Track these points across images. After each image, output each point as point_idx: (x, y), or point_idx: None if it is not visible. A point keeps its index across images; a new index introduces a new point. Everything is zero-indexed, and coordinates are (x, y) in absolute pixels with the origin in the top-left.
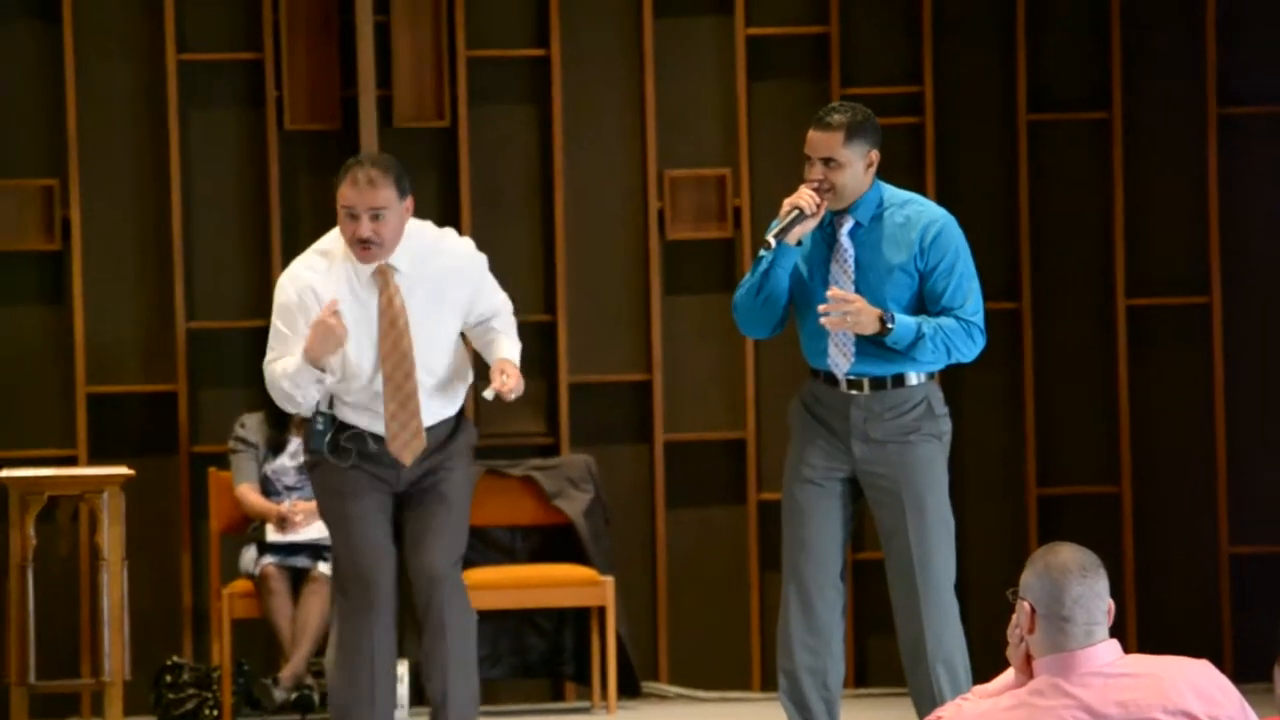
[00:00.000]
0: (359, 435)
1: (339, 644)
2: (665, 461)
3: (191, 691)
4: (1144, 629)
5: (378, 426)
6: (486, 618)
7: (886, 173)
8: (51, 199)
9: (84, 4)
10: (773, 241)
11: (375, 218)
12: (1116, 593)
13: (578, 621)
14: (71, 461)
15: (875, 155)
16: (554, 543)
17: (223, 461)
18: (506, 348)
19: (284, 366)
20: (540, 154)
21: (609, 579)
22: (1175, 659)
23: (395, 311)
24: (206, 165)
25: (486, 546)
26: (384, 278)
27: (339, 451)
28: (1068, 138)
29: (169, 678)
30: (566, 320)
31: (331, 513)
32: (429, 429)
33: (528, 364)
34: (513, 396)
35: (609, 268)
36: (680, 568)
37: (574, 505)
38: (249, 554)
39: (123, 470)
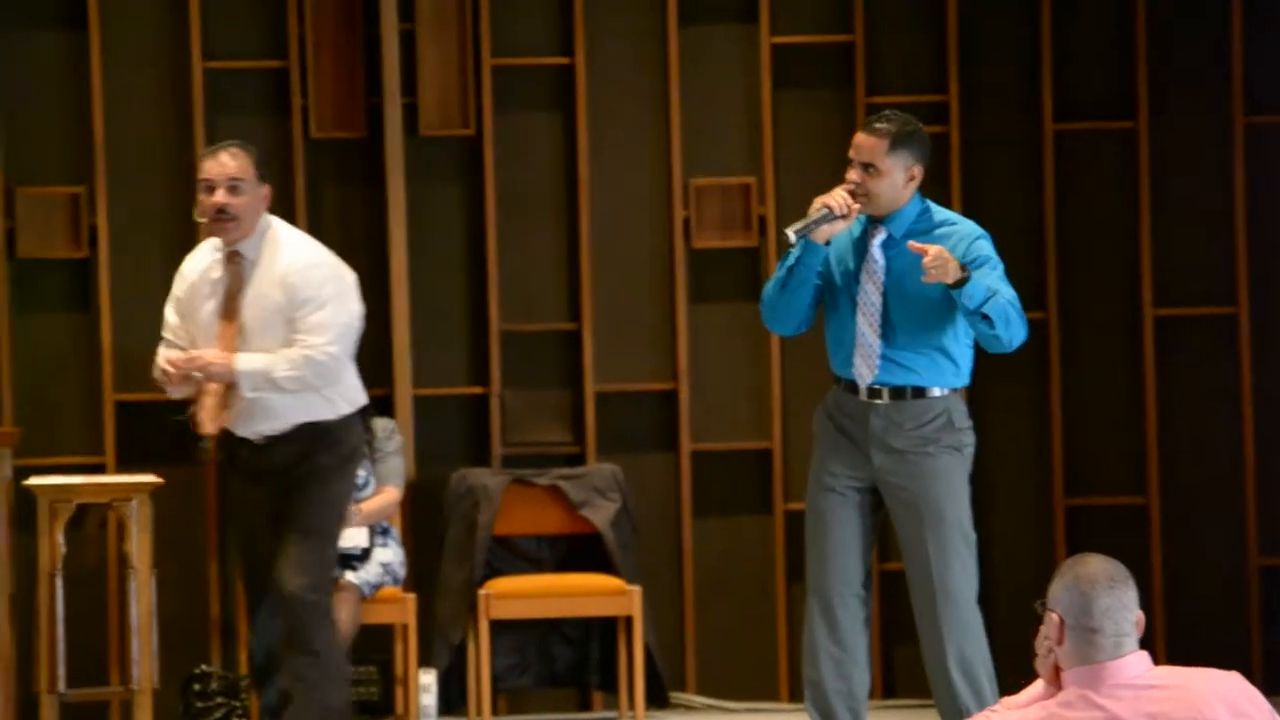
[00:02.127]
0: (231, 437)
1: None
2: (692, 471)
3: (220, 700)
4: (1173, 640)
5: (234, 424)
6: (513, 627)
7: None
8: (79, 206)
9: (110, 12)
10: (792, 237)
11: (231, 189)
12: (1145, 604)
13: (605, 631)
14: (100, 469)
15: (918, 171)
16: (581, 552)
17: None
18: (254, 358)
19: (159, 355)
20: (565, 162)
21: (636, 588)
22: (1205, 671)
23: (234, 291)
24: None
25: (513, 556)
26: (232, 263)
27: (228, 458)
28: (1093, 147)
29: (197, 686)
30: (592, 329)
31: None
32: (278, 435)
33: (554, 373)
34: (174, 389)
35: (634, 276)
36: (707, 577)
37: (601, 515)
38: None
39: (151, 478)
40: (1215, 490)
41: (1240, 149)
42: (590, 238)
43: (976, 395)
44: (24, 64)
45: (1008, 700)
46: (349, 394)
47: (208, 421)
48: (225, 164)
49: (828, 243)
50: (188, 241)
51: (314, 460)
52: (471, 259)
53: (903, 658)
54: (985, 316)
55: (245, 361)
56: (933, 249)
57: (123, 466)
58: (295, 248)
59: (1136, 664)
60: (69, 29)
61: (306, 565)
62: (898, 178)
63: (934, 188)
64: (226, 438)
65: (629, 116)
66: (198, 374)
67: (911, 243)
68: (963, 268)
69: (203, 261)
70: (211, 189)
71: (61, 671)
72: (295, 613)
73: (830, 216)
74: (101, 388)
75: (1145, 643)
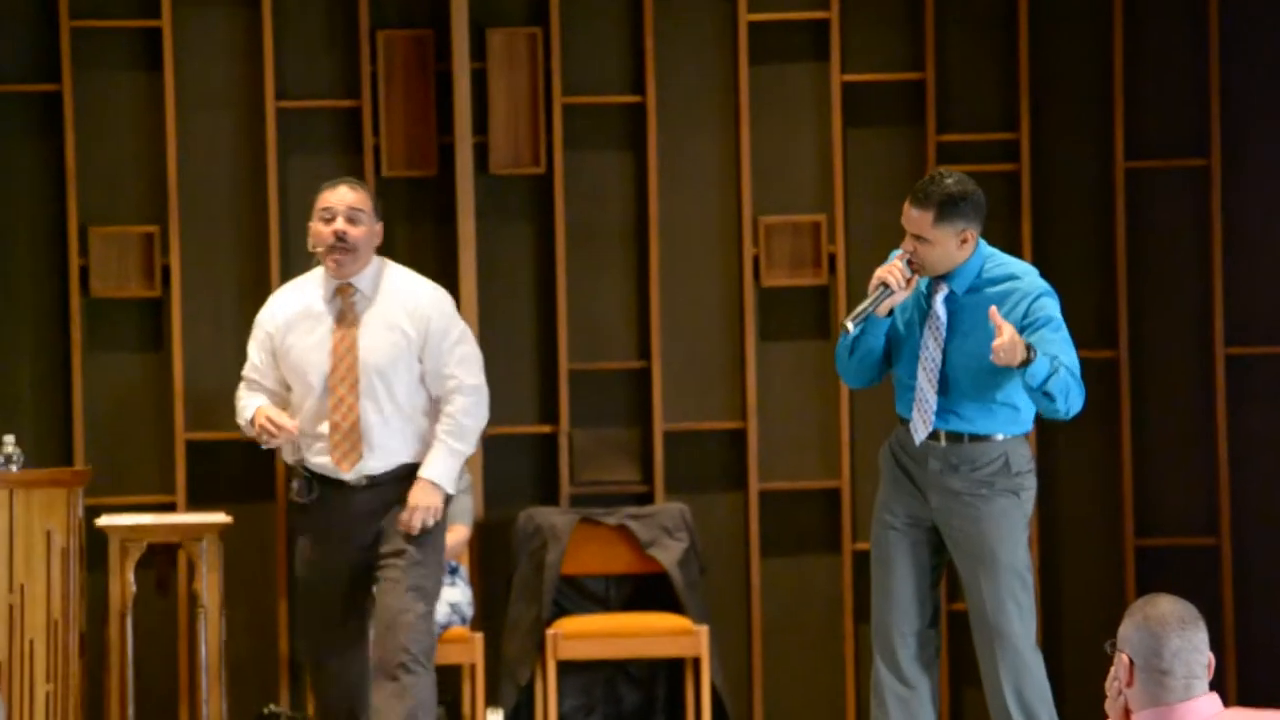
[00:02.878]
0: (324, 480)
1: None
2: (760, 510)
3: None
4: (1244, 682)
5: (323, 461)
6: (579, 667)
7: (988, 222)
8: (152, 246)
9: (185, 54)
10: (852, 328)
11: (351, 220)
12: (1216, 646)
13: (671, 671)
14: (170, 508)
15: (971, 234)
16: (648, 592)
17: None
18: (432, 461)
19: (241, 396)
20: (635, 200)
21: (703, 628)
22: (1277, 713)
23: (345, 326)
24: (304, 212)
25: (580, 595)
26: (343, 296)
27: (312, 504)
28: (1165, 184)
29: None
30: (661, 367)
31: (301, 568)
32: (386, 472)
33: (623, 412)
34: (419, 527)
35: (704, 314)
36: (775, 617)
37: (668, 554)
38: None
39: (221, 518)
40: None
41: None
42: (660, 276)
43: (1046, 435)
44: (99, 104)
45: None
46: None
47: (341, 462)
48: (345, 195)
49: (890, 312)
50: (260, 281)
51: None
52: (541, 297)
53: (972, 698)
54: (1047, 393)
55: (441, 473)
56: (1005, 334)
57: (193, 506)
58: (416, 281)
59: (1208, 706)
60: (144, 70)
61: (423, 592)
62: (949, 245)
63: (1005, 225)
64: (315, 481)
65: (699, 154)
66: (421, 523)
67: (993, 310)
68: (1028, 347)
69: (299, 298)
70: (330, 219)
71: (131, 710)
72: (407, 639)
73: (888, 293)
74: (172, 427)
75: (1216, 684)
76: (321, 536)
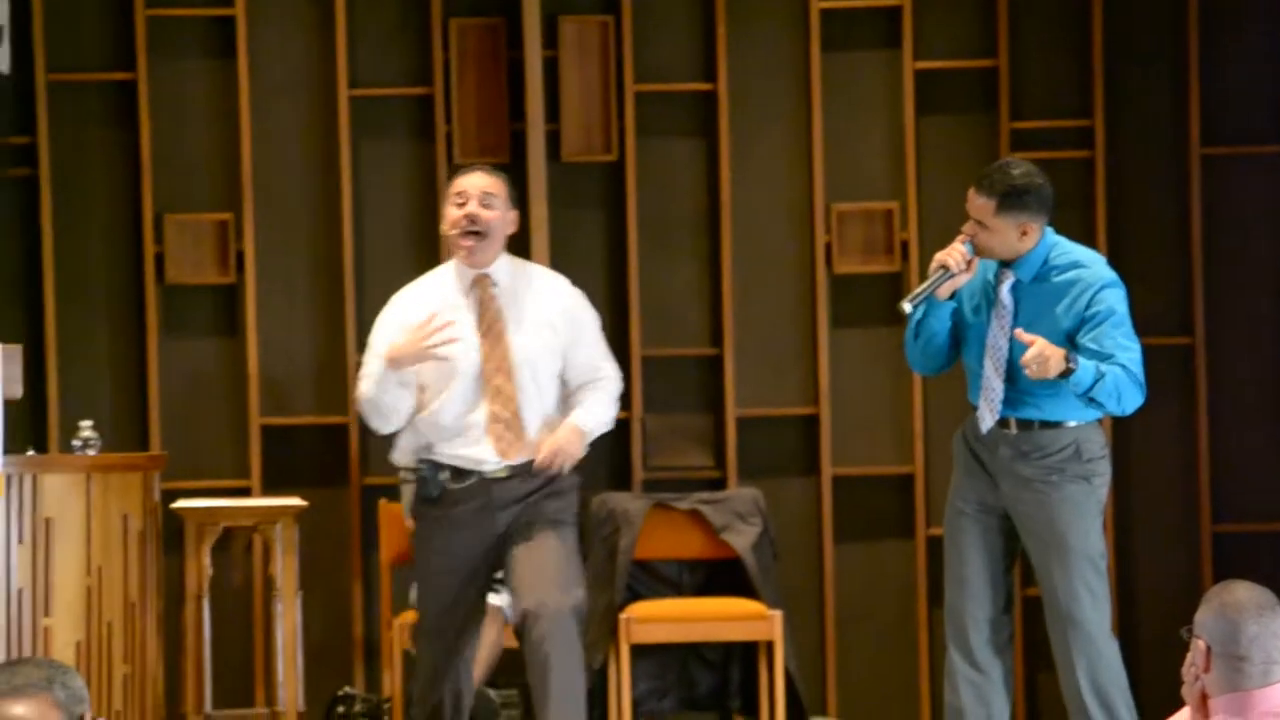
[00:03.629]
0: (457, 472)
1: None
2: (833, 495)
3: None
4: None
5: (472, 452)
6: (653, 651)
7: (1058, 208)
8: (227, 233)
9: (258, 43)
10: (908, 308)
11: (484, 204)
12: None
13: (745, 655)
14: (245, 493)
15: (1033, 227)
16: (721, 576)
17: (394, 493)
18: (578, 413)
19: (368, 371)
20: (707, 187)
21: (777, 613)
22: None
23: (493, 316)
24: (377, 198)
25: (654, 580)
26: (481, 287)
27: (444, 495)
28: (1241, 170)
29: (341, 708)
30: (734, 354)
31: (426, 554)
32: (525, 463)
33: (696, 398)
34: (557, 469)
35: (776, 301)
36: (848, 602)
37: (741, 539)
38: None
39: (296, 501)
40: None
41: None
42: (732, 262)
43: (1121, 423)
44: (174, 93)
45: None
46: None
47: (506, 451)
48: (479, 179)
49: (952, 296)
50: (333, 266)
51: (554, 483)
52: (613, 284)
53: (1046, 683)
54: (1093, 400)
55: (589, 421)
56: (1033, 348)
57: (268, 490)
58: (555, 278)
59: None
60: (218, 58)
61: (572, 580)
62: (1009, 235)
63: (1079, 213)
64: (449, 473)
65: (771, 141)
66: (562, 463)
67: (1018, 331)
68: (1067, 357)
69: (435, 291)
70: (462, 203)
71: (208, 693)
72: (564, 627)
73: (948, 275)
74: (247, 412)
75: None
76: (456, 524)
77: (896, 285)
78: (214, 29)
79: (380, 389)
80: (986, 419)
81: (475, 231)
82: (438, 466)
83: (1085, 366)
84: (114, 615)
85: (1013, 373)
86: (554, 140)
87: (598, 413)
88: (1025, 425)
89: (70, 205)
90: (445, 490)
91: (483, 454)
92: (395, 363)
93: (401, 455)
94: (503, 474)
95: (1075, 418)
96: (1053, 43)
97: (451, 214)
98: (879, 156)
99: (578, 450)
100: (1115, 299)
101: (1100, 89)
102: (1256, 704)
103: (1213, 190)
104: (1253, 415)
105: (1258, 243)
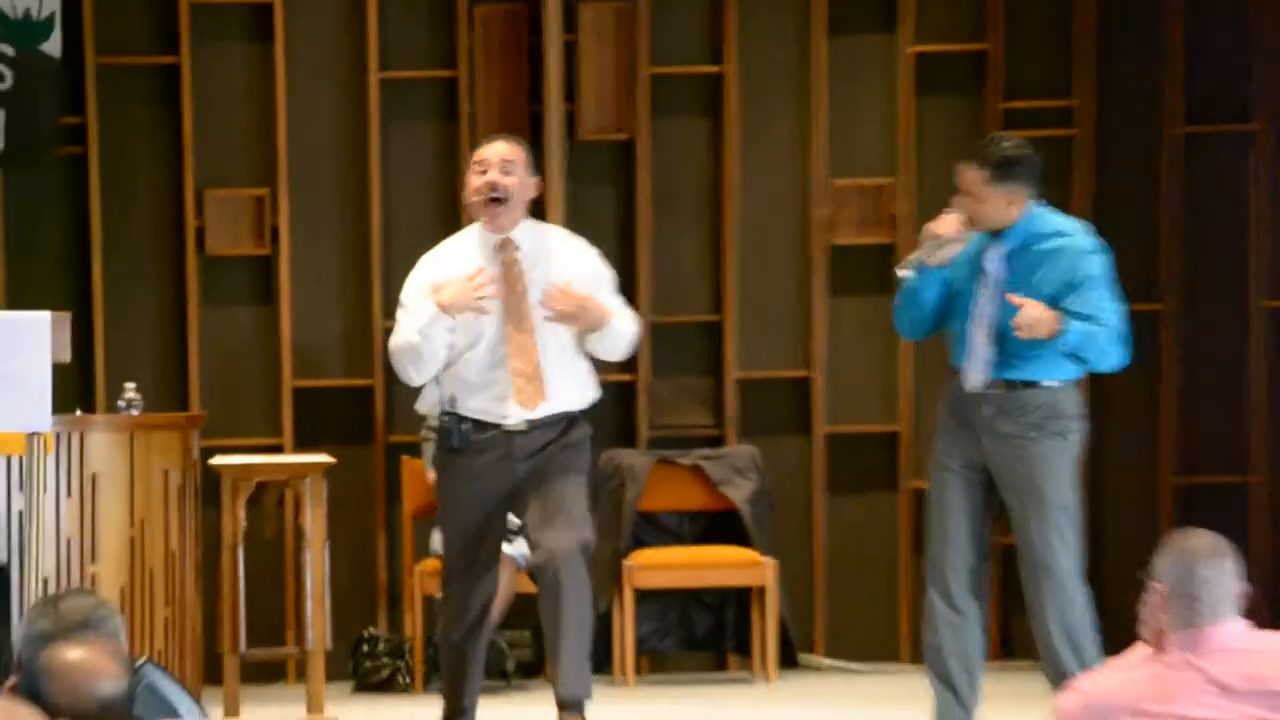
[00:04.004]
0: (480, 424)
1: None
2: (825, 451)
3: (386, 660)
4: (1276, 613)
5: (495, 407)
6: (656, 595)
7: (1045, 184)
8: (263, 208)
9: (294, 28)
10: (906, 274)
11: (505, 171)
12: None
13: (740, 599)
14: (278, 450)
15: (1019, 197)
16: (720, 527)
17: (416, 450)
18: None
19: (412, 323)
20: (714, 164)
21: (770, 560)
22: None
23: (515, 276)
24: (404, 176)
25: (657, 530)
26: (505, 250)
27: (467, 446)
28: (1218, 149)
29: (366, 647)
30: (735, 320)
31: (449, 501)
32: (547, 417)
33: (698, 361)
34: (560, 310)
35: (776, 271)
36: (837, 550)
37: (739, 492)
38: (438, 535)
39: (325, 458)
40: None
41: None
42: (735, 235)
43: (1098, 384)
44: (214, 76)
45: (1114, 661)
46: (595, 383)
47: (528, 404)
48: (499, 148)
49: (945, 265)
50: (361, 239)
51: (568, 435)
52: (624, 255)
53: (1019, 623)
54: (1079, 356)
55: (612, 303)
56: (1024, 310)
57: (299, 447)
58: (570, 236)
59: (1235, 629)
60: (256, 43)
61: (582, 522)
62: (999, 204)
63: (1063, 190)
64: (472, 425)
65: (775, 121)
66: (565, 307)
67: (1010, 295)
68: (1057, 318)
69: (461, 252)
70: (483, 170)
71: (242, 633)
72: (575, 562)
73: (940, 243)
74: (280, 375)
75: (1252, 616)
76: (478, 473)
77: (890, 256)
78: (253, 16)
79: (426, 335)
80: (975, 378)
81: (496, 198)
82: (461, 419)
83: (1074, 328)
84: (155, 563)
85: (998, 339)
86: (571, 120)
87: (621, 315)
88: (1008, 385)
89: (117, 181)
90: (468, 441)
91: (505, 409)
92: (447, 309)
93: (426, 406)
94: (523, 428)
95: (1054, 377)
96: (1041, 26)
97: (473, 181)
98: (876, 135)
99: (591, 314)
100: (1098, 264)
101: (1088, 70)
102: (1208, 640)
103: (1192, 167)
104: (1216, 377)
105: (1228, 216)
